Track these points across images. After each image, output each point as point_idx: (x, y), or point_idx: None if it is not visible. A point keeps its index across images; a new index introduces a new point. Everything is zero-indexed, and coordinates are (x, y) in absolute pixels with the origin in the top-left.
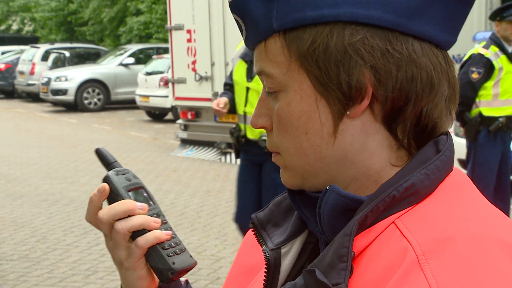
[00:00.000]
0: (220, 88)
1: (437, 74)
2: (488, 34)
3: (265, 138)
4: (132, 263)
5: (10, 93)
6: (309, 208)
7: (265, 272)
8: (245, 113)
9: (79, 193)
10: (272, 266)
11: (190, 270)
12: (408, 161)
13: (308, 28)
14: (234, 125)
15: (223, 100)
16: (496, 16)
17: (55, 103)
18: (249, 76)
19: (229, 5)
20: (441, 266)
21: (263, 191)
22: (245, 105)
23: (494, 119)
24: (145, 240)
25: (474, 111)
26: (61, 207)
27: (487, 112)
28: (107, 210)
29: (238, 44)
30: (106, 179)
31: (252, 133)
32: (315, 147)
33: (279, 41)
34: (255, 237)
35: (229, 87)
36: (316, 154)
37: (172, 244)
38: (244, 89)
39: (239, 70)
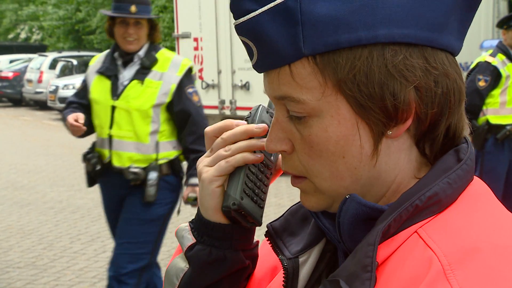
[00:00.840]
0: (227, 96)
1: (461, 83)
2: (495, 42)
3: (134, 170)
4: (214, 178)
5: (18, 101)
6: (327, 217)
7: (283, 281)
8: (110, 136)
9: (85, 201)
10: (291, 275)
11: (251, 222)
12: (429, 171)
13: (343, 52)
14: (88, 150)
15: (82, 115)
16: (503, 24)
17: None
18: (114, 94)
19: (237, 27)
20: (467, 277)
21: (121, 224)
22: (111, 127)
23: (501, 127)
24: (235, 160)
25: (481, 119)
26: (68, 214)
27: (494, 120)
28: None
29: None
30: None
31: (120, 161)
32: (352, 170)
33: (309, 66)
34: (271, 246)
35: (76, 105)
36: (353, 177)
37: (256, 191)
38: (108, 108)
39: (99, 87)
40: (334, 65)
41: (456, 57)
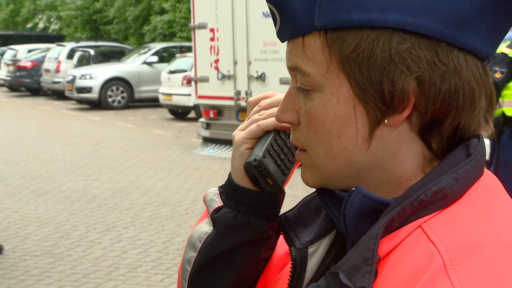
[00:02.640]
0: (242, 87)
1: (478, 88)
2: None
3: None
4: (244, 140)
5: (36, 91)
6: (338, 208)
7: (290, 271)
8: None
9: (102, 190)
10: (298, 266)
11: (271, 185)
12: (438, 165)
13: (353, 31)
14: None
15: None
16: None
17: (80, 101)
18: None
19: None
20: (467, 273)
21: None
22: None
23: None
24: (265, 123)
25: (497, 111)
26: (84, 204)
27: (510, 112)
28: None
29: (260, 43)
30: None
31: None
32: (347, 151)
33: (319, 40)
34: (283, 237)
35: None
36: (347, 159)
37: (282, 157)
38: None
39: None
40: (341, 42)
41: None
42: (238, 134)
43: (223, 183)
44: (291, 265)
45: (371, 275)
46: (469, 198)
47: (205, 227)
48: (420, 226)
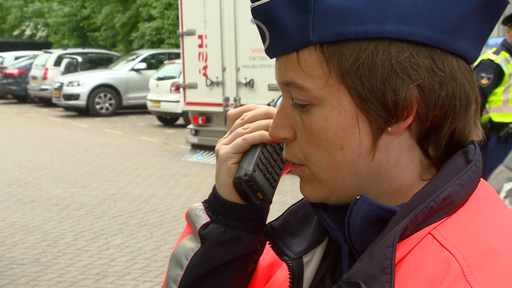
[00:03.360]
0: (231, 93)
1: (471, 91)
2: (500, 40)
3: None
4: (230, 154)
5: (23, 98)
6: (332, 216)
7: (289, 282)
8: None
9: (89, 198)
10: (296, 276)
11: (261, 199)
12: (438, 172)
13: (350, 43)
14: None
15: None
16: (508, 21)
17: (67, 108)
18: None
19: (252, 10)
20: (487, 279)
21: None
22: None
23: (504, 125)
24: (252, 137)
25: (484, 117)
26: (72, 211)
27: (497, 118)
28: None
29: (249, 49)
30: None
31: None
32: (350, 162)
33: (316, 54)
34: (270, 247)
35: None
36: (351, 170)
37: (270, 170)
38: None
39: None
40: (339, 55)
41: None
42: (223, 149)
43: (211, 192)
44: (289, 276)
45: (391, 284)
46: (472, 203)
47: (190, 244)
48: (429, 233)
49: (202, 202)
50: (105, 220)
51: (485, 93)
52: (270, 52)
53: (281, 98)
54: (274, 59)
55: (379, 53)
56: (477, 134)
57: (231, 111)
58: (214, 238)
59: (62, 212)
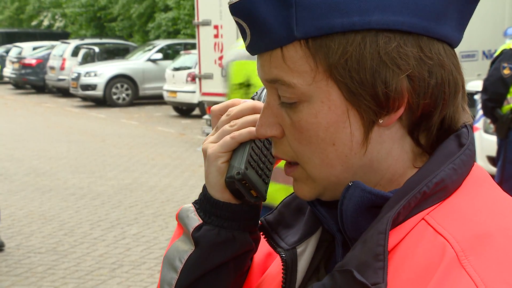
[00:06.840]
0: None
1: (459, 76)
2: None
3: None
4: (219, 153)
5: (41, 88)
6: (324, 205)
7: (282, 273)
8: None
9: (106, 188)
10: (290, 266)
11: (255, 196)
12: (431, 157)
13: (336, 36)
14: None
15: None
16: None
17: (85, 98)
18: None
19: (231, 7)
20: (482, 263)
21: None
22: None
23: None
24: (240, 135)
25: (506, 108)
26: (89, 201)
27: None
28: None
29: None
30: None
31: None
32: (343, 157)
33: (301, 50)
34: (266, 240)
35: None
36: (344, 165)
37: (261, 166)
38: None
39: None
40: (326, 49)
41: (470, 46)
42: (211, 147)
43: (201, 192)
44: (282, 267)
45: (384, 270)
46: (466, 187)
47: (183, 246)
48: (423, 218)
49: (193, 203)
50: (121, 210)
51: (507, 83)
52: (252, 49)
53: (265, 90)
54: None
55: (367, 45)
56: (467, 118)
57: (215, 106)
58: (208, 240)
59: (79, 201)
